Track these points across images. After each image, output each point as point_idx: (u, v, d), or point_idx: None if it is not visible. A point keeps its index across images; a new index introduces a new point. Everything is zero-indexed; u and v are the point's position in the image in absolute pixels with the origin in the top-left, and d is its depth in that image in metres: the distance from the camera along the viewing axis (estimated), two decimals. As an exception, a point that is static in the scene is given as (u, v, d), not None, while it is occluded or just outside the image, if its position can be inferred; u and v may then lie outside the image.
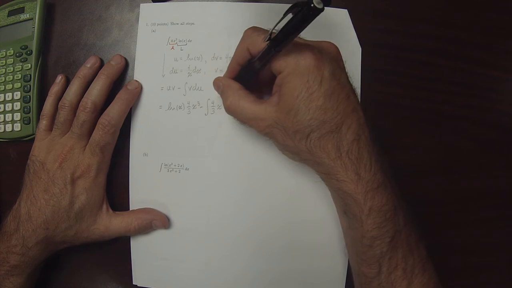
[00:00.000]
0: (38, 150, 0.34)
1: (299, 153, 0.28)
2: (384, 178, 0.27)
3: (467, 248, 0.38)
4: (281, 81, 0.27)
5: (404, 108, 0.37)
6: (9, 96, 0.37)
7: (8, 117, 0.37)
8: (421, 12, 0.38)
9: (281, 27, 0.24)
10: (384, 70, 0.37)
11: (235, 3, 0.37)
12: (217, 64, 0.36)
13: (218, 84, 0.33)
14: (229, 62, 0.35)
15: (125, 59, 0.37)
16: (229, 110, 0.30)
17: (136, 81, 0.36)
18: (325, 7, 0.21)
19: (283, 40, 0.24)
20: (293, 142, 0.27)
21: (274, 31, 0.25)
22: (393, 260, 0.27)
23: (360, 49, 0.36)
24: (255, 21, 0.36)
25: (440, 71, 0.38)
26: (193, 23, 0.36)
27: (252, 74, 0.30)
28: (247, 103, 0.29)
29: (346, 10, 0.36)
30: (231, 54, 0.35)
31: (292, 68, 0.26)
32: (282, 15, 0.24)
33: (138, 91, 0.36)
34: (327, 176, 0.28)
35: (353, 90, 0.28)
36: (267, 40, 0.26)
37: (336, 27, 0.36)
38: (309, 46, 0.27)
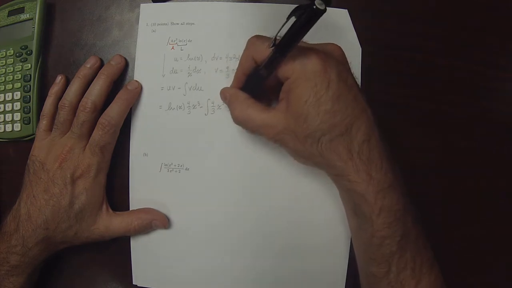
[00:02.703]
0: (38, 150, 0.34)
1: (310, 157, 0.28)
2: (394, 177, 0.27)
3: (467, 248, 0.38)
4: (288, 87, 0.27)
5: (404, 108, 0.37)
6: (9, 96, 0.37)
7: (8, 117, 0.37)
8: (421, 12, 0.38)
9: (284, 31, 0.24)
10: (384, 70, 0.37)
11: (235, 3, 0.37)
12: (217, 64, 0.36)
13: (225, 94, 0.33)
14: (229, 61, 0.36)
15: (125, 59, 0.37)
16: (237, 120, 0.30)
17: (136, 81, 0.36)
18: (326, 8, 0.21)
19: (288, 44, 0.24)
20: (304, 147, 0.27)
21: (278, 36, 0.25)
22: (402, 259, 0.27)
23: (360, 49, 0.36)
24: (255, 21, 0.36)
25: (440, 71, 0.38)
26: (193, 23, 0.36)
27: (259, 83, 0.30)
28: (255, 112, 0.29)
29: (346, 10, 0.36)
30: (231, 54, 0.36)
31: (298, 73, 0.26)
32: (285, 19, 0.24)
33: (138, 91, 0.36)
34: (338, 178, 0.28)
35: (360, 91, 0.28)
36: (272, 46, 0.26)
37: (336, 27, 0.36)
38: (314, 50, 0.27)
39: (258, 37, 0.29)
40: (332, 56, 0.27)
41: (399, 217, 0.27)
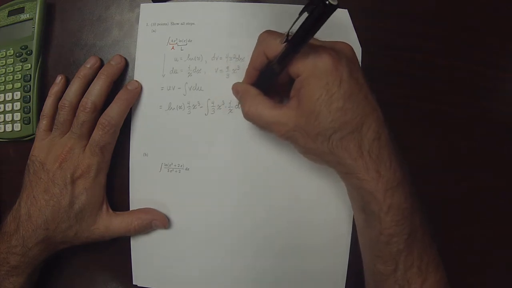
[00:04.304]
0: (38, 150, 0.34)
1: (321, 155, 0.28)
2: (403, 176, 0.27)
3: (467, 248, 0.38)
4: (300, 84, 0.27)
5: (404, 108, 0.37)
6: (9, 96, 0.37)
7: (8, 117, 0.37)
8: (421, 12, 0.38)
9: (297, 27, 0.24)
10: (384, 70, 0.37)
11: (235, 3, 0.37)
12: (217, 64, 0.36)
13: (236, 89, 0.33)
14: (229, 61, 0.36)
15: (125, 59, 0.37)
16: (248, 116, 0.30)
17: (136, 81, 0.36)
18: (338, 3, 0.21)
19: (300, 40, 0.24)
20: (315, 144, 0.28)
21: (290, 32, 0.25)
22: (409, 257, 0.27)
23: (360, 49, 0.36)
24: (255, 21, 0.36)
25: (440, 71, 0.38)
26: (193, 23, 0.36)
27: (271, 78, 0.30)
28: (265, 109, 0.29)
29: (346, 10, 0.36)
30: (231, 54, 0.36)
31: (310, 71, 0.26)
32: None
33: (138, 91, 0.36)
34: (347, 176, 0.28)
35: (370, 90, 0.28)
36: (284, 42, 0.26)
37: (336, 27, 0.36)
38: (325, 48, 0.27)
39: (269, 32, 0.29)
40: (343, 54, 0.28)
41: (407, 215, 0.27)
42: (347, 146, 0.27)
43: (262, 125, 0.30)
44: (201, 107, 0.36)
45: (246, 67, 0.35)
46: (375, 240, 0.28)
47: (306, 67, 0.26)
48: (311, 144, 0.28)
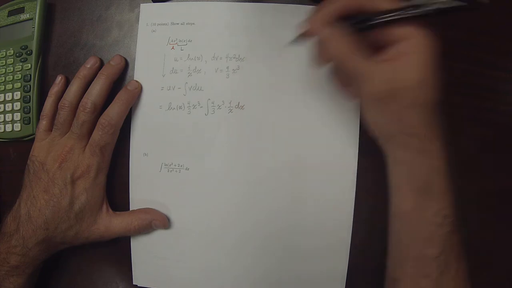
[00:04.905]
0: (38, 150, 0.34)
1: (400, 123, 0.27)
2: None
3: (467, 248, 0.38)
4: (412, 48, 0.25)
5: (404, 108, 0.37)
6: (9, 96, 0.37)
7: (8, 117, 0.37)
8: (421, 12, 0.38)
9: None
10: (384, 70, 0.37)
11: (235, 3, 0.36)
12: (217, 64, 0.36)
13: (315, 22, 0.26)
14: (229, 61, 0.36)
15: (125, 59, 0.37)
16: (338, 58, 0.26)
17: (136, 81, 0.36)
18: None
19: (430, 16, 0.23)
20: (399, 115, 0.26)
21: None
22: (452, 240, 0.28)
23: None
24: (255, 21, 0.36)
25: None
26: (193, 23, 0.36)
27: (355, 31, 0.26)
28: (360, 57, 0.25)
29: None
30: (231, 54, 0.36)
31: (425, 38, 0.25)
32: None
33: (138, 91, 0.36)
34: (419, 154, 0.28)
35: None
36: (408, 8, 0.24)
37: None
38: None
39: None
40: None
41: (453, 199, 0.28)
42: (432, 121, 0.27)
43: (350, 73, 0.26)
44: (201, 107, 0.36)
45: (246, 67, 0.35)
46: (428, 222, 0.28)
47: (420, 33, 0.25)
48: (404, 112, 0.26)
